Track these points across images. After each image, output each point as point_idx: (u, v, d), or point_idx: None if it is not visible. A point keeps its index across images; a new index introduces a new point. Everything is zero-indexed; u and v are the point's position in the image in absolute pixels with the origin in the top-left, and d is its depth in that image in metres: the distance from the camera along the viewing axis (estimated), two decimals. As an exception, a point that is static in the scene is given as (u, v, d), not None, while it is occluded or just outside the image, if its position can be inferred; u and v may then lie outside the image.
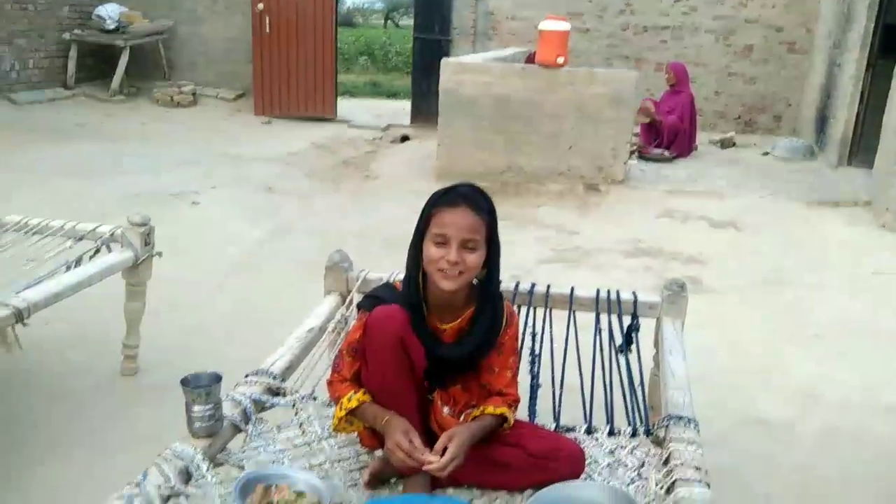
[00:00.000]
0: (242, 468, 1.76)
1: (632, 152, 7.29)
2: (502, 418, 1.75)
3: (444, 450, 1.62)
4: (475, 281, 1.78)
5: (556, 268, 4.73)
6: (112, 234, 2.95)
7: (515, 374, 1.85)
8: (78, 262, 2.84)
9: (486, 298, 1.78)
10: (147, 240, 2.96)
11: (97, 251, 2.93)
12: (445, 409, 1.79)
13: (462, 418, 1.80)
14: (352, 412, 1.73)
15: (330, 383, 1.83)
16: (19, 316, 2.39)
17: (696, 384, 3.19)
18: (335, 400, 1.78)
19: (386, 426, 1.65)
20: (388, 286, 1.87)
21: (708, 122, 9.21)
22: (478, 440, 1.72)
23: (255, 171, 7.04)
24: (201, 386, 1.76)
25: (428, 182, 6.89)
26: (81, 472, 2.50)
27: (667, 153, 7.57)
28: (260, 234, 5.18)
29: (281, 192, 6.40)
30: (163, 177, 6.56)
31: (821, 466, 2.73)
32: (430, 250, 1.68)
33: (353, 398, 1.72)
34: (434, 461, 1.59)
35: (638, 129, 7.77)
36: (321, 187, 6.62)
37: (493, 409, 1.77)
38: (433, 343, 1.75)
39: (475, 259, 1.69)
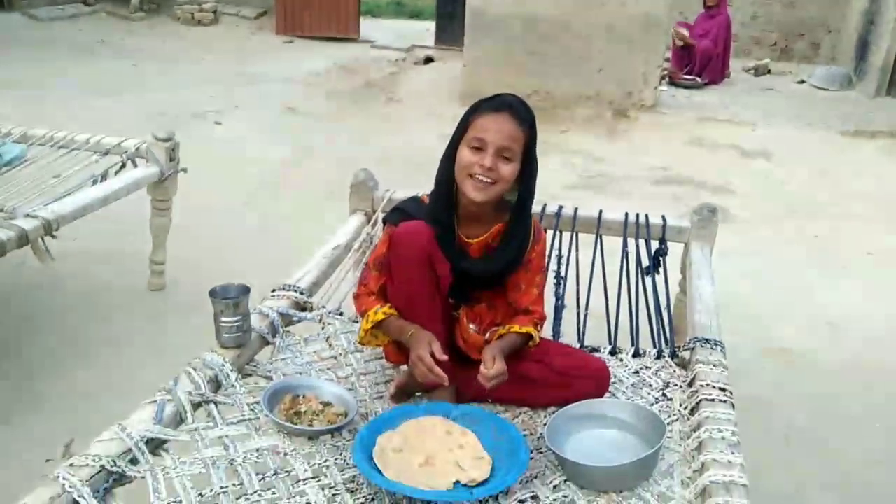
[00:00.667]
0: (270, 379, 1.79)
1: (662, 78, 7.08)
2: (528, 336, 1.74)
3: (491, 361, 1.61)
4: (506, 197, 1.74)
5: (581, 194, 4.67)
6: (137, 149, 2.94)
7: (542, 292, 1.82)
8: (104, 176, 2.84)
9: (519, 216, 1.73)
10: (172, 155, 2.94)
11: (123, 166, 2.92)
12: (472, 327, 1.79)
13: (487, 336, 1.80)
14: (377, 325, 1.73)
15: (356, 297, 1.83)
16: (48, 227, 2.41)
17: (720, 312, 3.23)
18: (361, 313, 1.78)
19: (411, 339, 1.65)
20: (415, 200, 1.83)
21: (742, 48, 8.89)
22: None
23: (277, 92, 6.95)
24: (230, 297, 1.77)
25: (452, 105, 6.77)
26: (106, 382, 2.56)
27: (698, 79, 7.34)
28: (282, 155, 5.15)
29: (303, 113, 6.33)
30: (185, 96, 6.51)
31: (843, 396, 2.74)
32: (465, 155, 1.64)
33: (380, 311, 1.72)
34: (486, 371, 1.58)
35: (669, 55, 7.52)
36: (343, 109, 6.53)
37: (518, 327, 1.76)
38: (462, 260, 1.73)
39: (510, 170, 1.65)
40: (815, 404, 2.68)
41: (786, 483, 2.29)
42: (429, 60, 9.24)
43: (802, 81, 7.87)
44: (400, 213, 1.78)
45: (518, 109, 1.65)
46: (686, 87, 7.26)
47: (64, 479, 1.32)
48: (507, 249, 1.73)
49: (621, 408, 1.62)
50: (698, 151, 5.66)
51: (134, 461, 1.43)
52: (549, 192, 4.57)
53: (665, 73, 7.32)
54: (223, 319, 1.77)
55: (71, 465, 1.37)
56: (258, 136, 5.54)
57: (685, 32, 7.46)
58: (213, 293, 1.78)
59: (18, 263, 3.06)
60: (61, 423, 2.24)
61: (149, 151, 2.90)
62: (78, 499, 1.31)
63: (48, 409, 2.42)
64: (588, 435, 1.58)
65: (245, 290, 1.80)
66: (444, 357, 1.60)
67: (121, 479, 1.40)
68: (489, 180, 1.63)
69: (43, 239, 2.48)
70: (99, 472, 1.37)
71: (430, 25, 10.26)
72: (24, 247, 2.36)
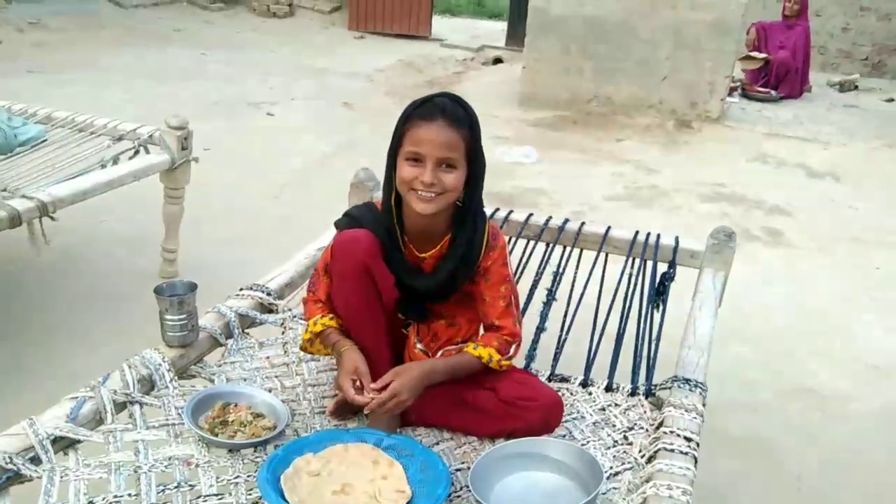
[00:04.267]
0: (213, 382, 1.72)
1: (733, 89, 6.73)
2: (479, 359, 1.60)
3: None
4: (458, 203, 1.60)
5: (623, 206, 4.45)
6: (150, 136, 2.94)
7: (511, 304, 1.66)
8: (115, 161, 2.84)
9: (463, 220, 1.59)
10: (184, 144, 2.92)
11: (136, 152, 2.93)
12: (419, 346, 1.67)
13: (440, 354, 1.67)
14: (317, 335, 1.64)
15: (305, 301, 1.74)
16: (43, 209, 2.42)
17: (749, 345, 2.99)
18: (306, 319, 1.69)
19: (338, 360, 1.55)
20: (368, 206, 1.72)
21: (829, 61, 8.38)
22: (453, 377, 1.59)
23: (337, 86, 6.97)
24: (175, 294, 1.71)
25: (511, 108, 6.64)
26: (105, 366, 2.55)
27: (773, 93, 6.93)
28: (326, 149, 5.13)
29: (358, 108, 6.31)
30: (244, 85, 6.60)
31: (869, 450, 2.46)
32: (404, 170, 1.51)
33: (319, 322, 1.63)
34: (369, 398, 1.48)
35: (743, 67, 7.13)
36: (399, 105, 6.46)
37: (471, 348, 1.62)
38: (408, 273, 1.61)
39: (454, 180, 1.51)
40: (834, 455, 2.42)
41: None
42: (497, 61, 9.10)
43: (892, 100, 7.33)
44: (349, 219, 1.67)
45: (453, 113, 1.50)
46: (759, 100, 6.87)
47: (-51, 473, 1.27)
48: (453, 256, 1.60)
49: (564, 450, 1.46)
50: (760, 169, 5.32)
51: (35, 460, 1.38)
52: (590, 203, 4.40)
53: (738, 84, 6.96)
54: (167, 317, 1.71)
55: (-34, 458, 1.32)
56: (306, 129, 5.55)
57: (754, 36, 7.05)
58: (158, 290, 1.72)
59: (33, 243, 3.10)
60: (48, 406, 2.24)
61: (161, 139, 2.89)
62: (-40, 496, 1.26)
63: (41, 390, 2.43)
64: (522, 477, 1.43)
65: (191, 288, 1.73)
66: (369, 382, 1.50)
67: (17, 477, 1.35)
68: (433, 193, 1.51)
69: (41, 221, 2.49)
70: (-8, 468, 1.32)
71: (505, 26, 10.12)
72: (17, 227, 2.37)
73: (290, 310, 2.03)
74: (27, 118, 3.08)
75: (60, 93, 5.56)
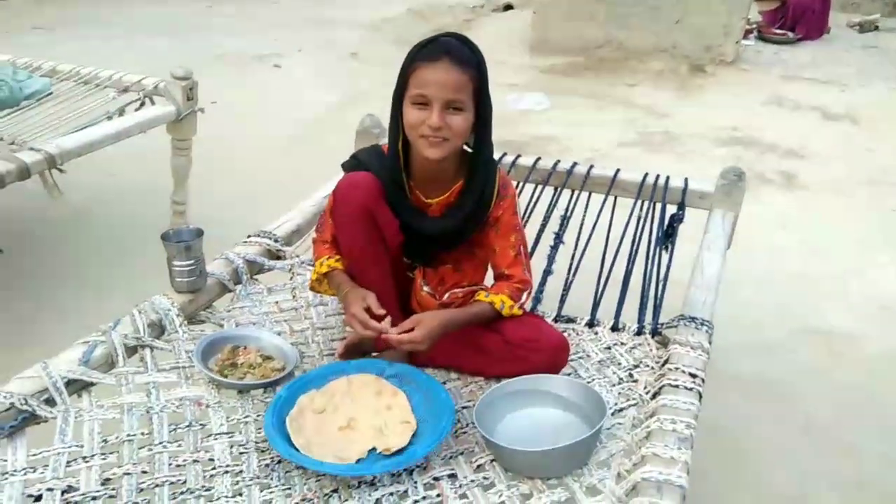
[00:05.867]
0: (222, 327, 1.74)
1: (749, 31, 6.56)
2: (491, 306, 1.60)
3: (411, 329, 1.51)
4: (467, 148, 1.59)
5: (635, 152, 4.39)
6: (156, 87, 2.92)
7: (521, 254, 1.66)
8: (121, 112, 2.84)
9: (476, 167, 1.58)
10: (190, 95, 2.90)
11: (142, 104, 2.92)
12: (426, 289, 1.67)
13: (446, 298, 1.68)
14: (323, 276, 1.65)
15: (314, 242, 1.75)
16: (51, 161, 2.42)
17: (761, 287, 2.97)
18: (315, 260, 1.71)
19: (345, 299, 1.56)
20: (375, 149, 1.70)
21: (850, 0, 8.13)
22: (466, 326, 1.60)
23: (344, 37, 6.87)
24: (181, 240, 1.72)
25: (522, 55, 6.53)
26: (117, 314, 2.59)
27: (791, 34, 6.75)
28: (334, 100, 5.08)
29: (365, 59, 6.23)
30: (249, 38, 6.53)
31: (881, 391, 2.46)
32: (410, 114, 1.49)
33: (325, 264, 1.64)
34: (394, 331, 1.48)
35: (760, 8, 6.94)
36: (405, 55, 6.38)
37: (483, 295, 1.63)
38: (416, 218, 1.60)
39: (461, 122, 1.49)
40: (844, 395, 2.42)
41: (792, 477, 2.08)
42: (508, 7, 8.91)
43: (913, 39, 7.13)
44: (355, 161, 1.66)
45: (459, 53, 1.47)
46: (776, 43, 6.70)
47: (-35, 413, 1.30)
48: (464, 205, 1.59)
49: (569, 386, 1.47)
50: (776, 112, 5.22)
51: (50, 401, 1.41)
52: (601, 150, 4.34)
53: (754, 26, 6.78)
54: (175, 263, 1.72)
55: (-17, 400, 1.35)
56: (313, 80, 5.50)
57: None
58: (164, 236, 1.73)
59: (44, 196, 3.13)
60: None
61: (166, 90, 2.87)
62: (-23, 435, 1.29)
63: (54, 338, 2.47)
64: (527, 413, 1.45)
65: (198, 234, 1.74)
66: (381, 311, 1.50)
67: (32, 418, 1.38)
68: (440, 138, 1.48)
69: (50, 173, 2.50)
70: (7, 409, 1.35)
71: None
72: (25, 179, 2.38)
73: (297, 256, 2.04)
74: (32, 72, 3.06)
75: (65, 49, 5.52)
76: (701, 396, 1.46)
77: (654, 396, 1.50)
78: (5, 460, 1.27)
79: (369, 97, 5.19)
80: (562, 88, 5.57)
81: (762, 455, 2.16)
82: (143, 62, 5.31)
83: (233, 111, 4.47)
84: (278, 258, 2.02)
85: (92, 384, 1.48)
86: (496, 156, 2.08)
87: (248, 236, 2.04)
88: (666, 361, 1.59)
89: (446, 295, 1.68)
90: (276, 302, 1.88)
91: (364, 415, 1.43)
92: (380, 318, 1.50)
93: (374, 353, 1.67)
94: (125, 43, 5.99)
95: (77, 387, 1.47)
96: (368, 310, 1.51)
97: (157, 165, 3.35)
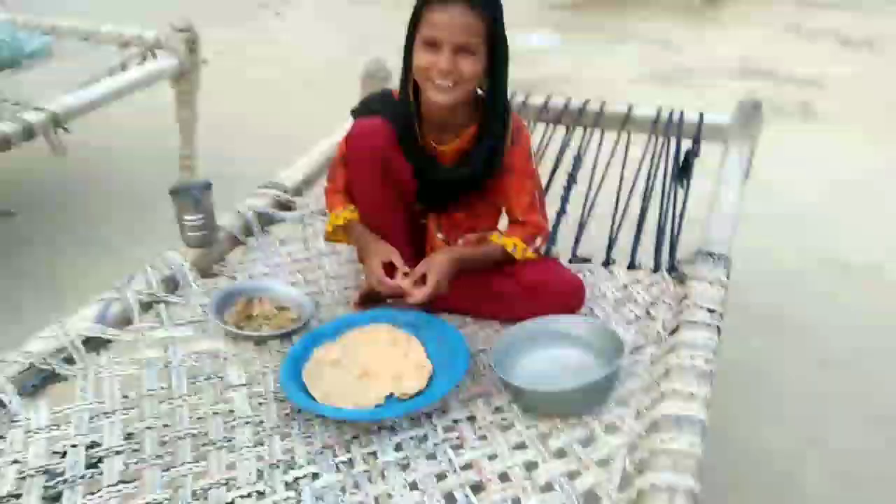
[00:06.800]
0: (235, 279, 1.73)
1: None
2: (503, 249, 1.59)
3: (424, 277, 1.50)
4: (480, 92, 1.55)
5: (649, 87, 4.31)
6: (157, 40, 2.87)
7: (536, 199, 1.63)
8: (123, 67, 2.80)
9: (491, 113, 1.54)
10: (192, 47, 2.85)
11: (144, 58, 2.87)
12: (439, 235, 1.65)
13: (462, 242, 1.66)
14: (341, 228, 1.64)
15: (326, 192, 1.73)
16: (56, 120, 2.40)
17: (778, 221, 2.93)
18: (329, 209, 1.69)
19: (365, 250, 1.55)
20: (384, 94, 1.66)
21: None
22: (478, 267, 1.59)
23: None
24: (190, 195, 1.70)
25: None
26: (127, 270, 2.61)
27: (808, -43, 6.51)
28: (340, 46, 5.00)
29: (367, 2, 6.09)
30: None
31: (899, 322, 2.44)
32: (420, 56, 1.45)
33: (340, 215, 1.62)
34: (411, 291, 1.48)
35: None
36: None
37: (496, 237, 1.61)
38: (428, 165, 1.58)
39: (472, 66, 1.44)
40: (864, 327, 2.40)
41: (810, 410, 2.08)
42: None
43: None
44: (365, 107, 1.62)
45: None
46: (793, -33, 6.46)
47: (-13, 374, 1.32)
48: (479, 152, 1.55)
49: (585, 326, 1.46)
50: (793, 40, 5.08)
51: (69, 360, 1.42)
52: (612, 86, 4.25)
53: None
54: (185, 218, 1.71)
55: (2, 361, 1.36)
56: (317, 28, 5.41)
57: None
58: (173, 191, 1.71)
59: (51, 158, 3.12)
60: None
61: (167, 43, 2.82)
62: (0, 395, 1.30)
63: (68, 298, 2.49)
64: (544, 354, 1.44)
65: (206, 187, 1.72)
66: (405, 269, 1.51)
67: (53, 377, 1.39)
68: (450, 82, 1.44)
69: (55, 131, 2.48)
70: (28, 368, 1.36)
71: None
72: (31, 139, 2.36)
73: (308, 206, 2.02)
74: (32, 29, 3.01)
75: (62, 4, 5.42)
76: (720, 331, 1.45)
77: (672, 333, 1.48)
78: (29, 419, 1.29)
79: (376, 42, 5.05)
80: (572, 25, 5.44)
81: (782, 388, 2.16)
82: (146, 14, 5.23)
83: (236, 62, 4.42)
84: (289, 209, 2.00)
85: (109, 341, 1.49)
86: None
87: (258, 187, 2.02)
88: (684, 298, 1.57)
89: (460, 241, 1.66)
90: (289, 252, 1.87)
91: (379, 363, 1.43)
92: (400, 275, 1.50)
93: (390, 300, 1.66)
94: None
95: (95, 344, 1.47)
96: (388, 265, 1.50)
97: (162, 120, 3.32)
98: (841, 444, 1.96)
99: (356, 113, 1.64)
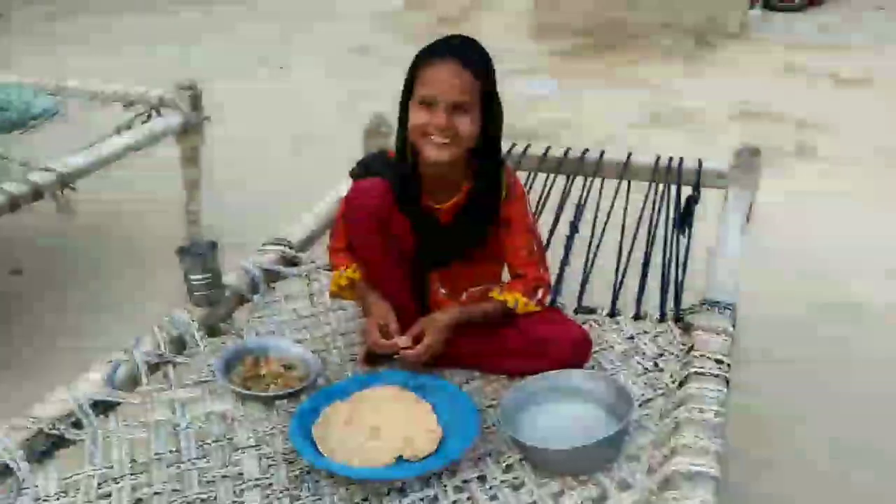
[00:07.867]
0: (241, 338, 1.74)
1: (755, 0, 6.46)
2: (504, 304, 1.60)
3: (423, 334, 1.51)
4: (475, 149, 1.57)
5: (648, 132, 4.35)
6: (161, 99, 2.92)
7: (534, 251, 1.65)
8: (129, 126, 2.84)
9: (483, 169, 1.57)
10: (196, 104, 2.91)
11: (149, 117, 2.92)
12: (442, 291, 1.66)
13: (464, 297, 1.67)
14: (344, 288, 1.65)
15: (329, 250, 1.75)
16: (64, 181, 2.44)
17: (782, 264, 2.93)
18: (332, 268, 1.71)
19: (365, 312, 1.57)
20: (381, 154, 1.69)
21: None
22: (479, 324, 1.59)
23: (346, 29, 6.85)
24: (197, 254, 1.72)
25: (528, 38, 6.47)
26: (140, 330, 2.62)
27: (797, 0, 6.64)
28: (341, 98, 5.06)
29: (370, 52, 6.20)
30: (253, 38, 6.50)
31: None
32: (417, 115, 1.48)
33: (344, 276, 1.64)
34: (409, 349, 1.50)
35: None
36: (412, 46, 6.34)
37: (497, 293, 1.62)
38: (427, 223, 1.59)
39: (468, 124, 1.47)
40: (873, 368, 2.39)
41: (827, 453, 2.06)
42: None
43: (924, -2, 6.98)
44: (362, 168, 1.65)
45: (465, 53, 1.46)
46: (784, 10, 6.59)
47: (-3, 442, 1.31)
48: (472, 209, 1.58)
49: (593, 380, 1.46)
50: (787, 82, 5.15)
51: (77, 424, 1.42)
52: (612, 131, 4.30)
53: (759, -5, 6.69)
54: (192, 277, 1.72)
55: (10, 427, 1.36)
56: (321, 80, 5.48)
57: None
58: (179, 251, 1.73)
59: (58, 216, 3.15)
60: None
61: (172, 101, 2.87)
62: (9, 462, 1.30)
63: (77, 360, 2.49)
64: (552, 410, 1.44)
65: (212, 246, 1.74)
66: (395, 334, 1.54)
67: (61, 442, 1.39)
68: (446, 140, 1.47)
69: (62, 191, 2.51)
70: (36, 434, 1.36)
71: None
72: (39, 200, 2.39)
73: (313, 261, 2.04)
74: (38, 90, 3.07)
75: (74, 64, 5.53)
76: (728, 382, 1.45)
77: (680, 385, 1.48)
78: (37, 486, 1.28)
79: (377, 93, 5.14)
80: (570, 71, 5.52)
81: (794, 431, 2.14)
82: (147, 73, 5.33)
83: (240, 116, 4.46)
84: (294, 265, 2.02)
85: (117, 404, 1.49)
86: (505, 145, 2.06)
87: (263, 244, 2.04)
88: (691, 348, 1.57)
89: (463, 295, 1.67)
90: (295, 309, 1.88)
91: (389, 424, 1.42)
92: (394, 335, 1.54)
93: (396, 356, 1.66)
94: (136, 50, 6.00)
95: (103, 407, 1.47)
96: (385, 327, 1.53)
97: (168, 176, 3.36)
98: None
99: (354, 175, 1.66)
